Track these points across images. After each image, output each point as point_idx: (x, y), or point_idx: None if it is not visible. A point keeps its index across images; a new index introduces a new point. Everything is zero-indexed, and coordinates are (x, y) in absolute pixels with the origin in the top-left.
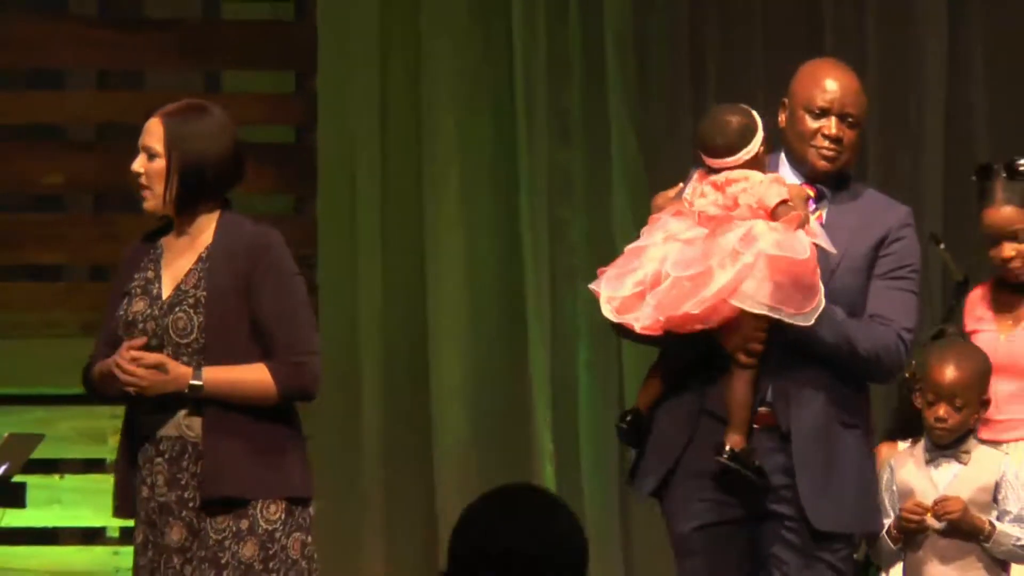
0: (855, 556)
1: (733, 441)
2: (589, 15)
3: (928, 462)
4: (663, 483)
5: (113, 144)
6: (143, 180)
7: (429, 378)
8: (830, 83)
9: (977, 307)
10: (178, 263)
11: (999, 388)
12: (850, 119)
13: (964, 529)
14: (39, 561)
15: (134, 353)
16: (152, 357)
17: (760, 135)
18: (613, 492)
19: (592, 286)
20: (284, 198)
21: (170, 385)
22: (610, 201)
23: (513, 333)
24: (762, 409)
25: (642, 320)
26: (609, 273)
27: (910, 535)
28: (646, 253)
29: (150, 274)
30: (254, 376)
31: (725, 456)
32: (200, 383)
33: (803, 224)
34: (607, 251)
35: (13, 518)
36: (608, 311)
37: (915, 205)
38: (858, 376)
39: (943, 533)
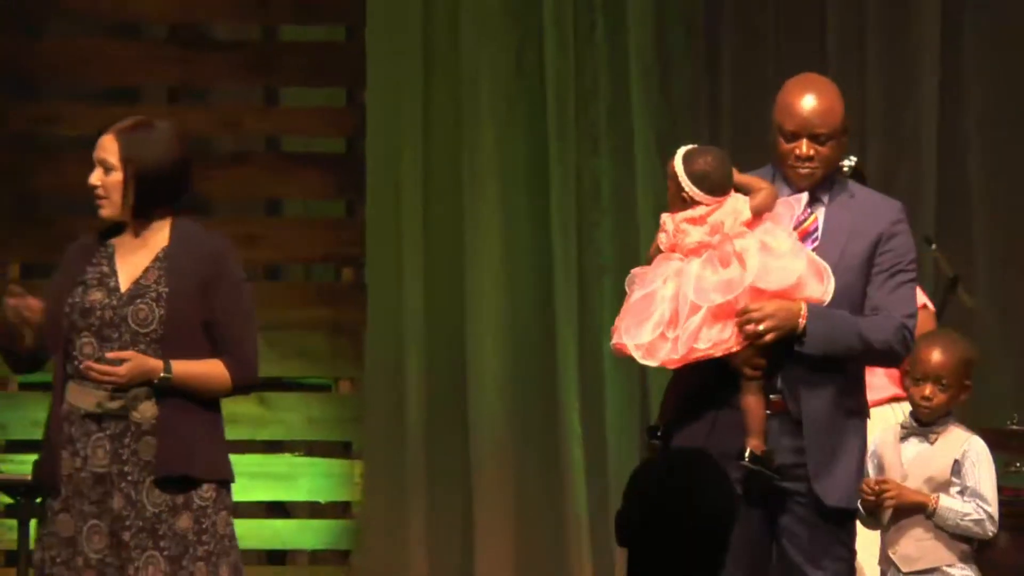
0: None
1: (753, 445)
2: (615, 37)
3: (901, 439)
4: None
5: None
6: (100, 191)
7: (467, 367)
8: (798, 107)
9: None
10: (133, 261)
11: None
12: (820, 137)
13: (907, 507)
14: None
15: (109, 356)
16: (120, 353)
17: None
18: None
19: (614, 342)
20: (336, 203)
21: (145, 376)
22: (634, 205)
23: (545, 327)
24: (773, 397)
25: (680, 351)
26: (625, 324)
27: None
28: (655, 298)
29: (105, 269)
30: (214, 371)
31: (747, 459)
32: (170, 375)
33: (774, 195)
34: (631, 250)
35: None
36: (639, 357)
37: (910, 208)
38: (871, 365)
39: (897, 510)
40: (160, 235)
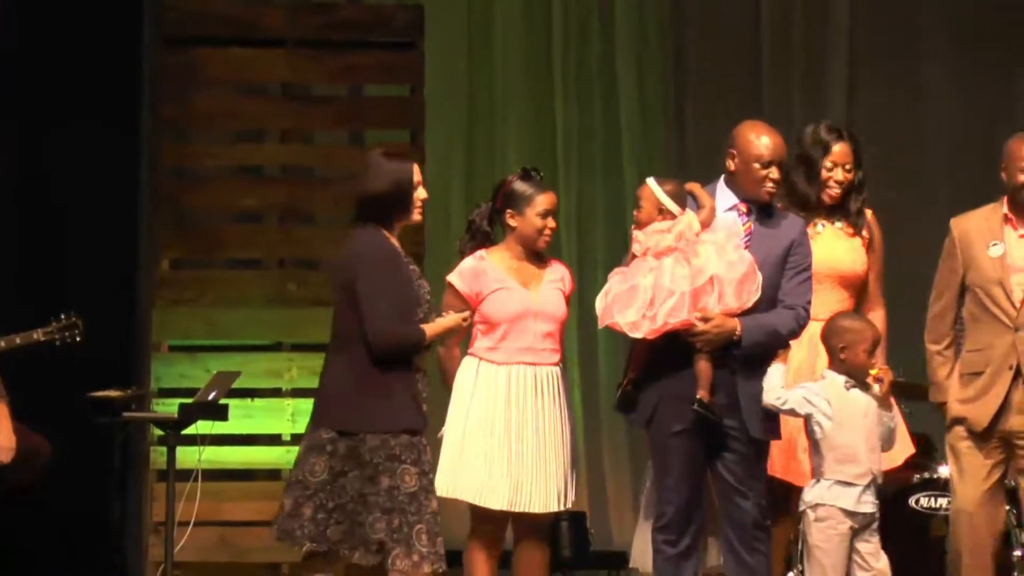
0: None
1: (702, 395)
2: (608, 94)
3: (848, 388)
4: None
5: (294, 180)
6: (425, 199)
7: None
8: (773, 142)
9: (499, 270)
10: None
11: (539, 327)
12: (783, 165)
13: (886, 396)
14: (237, 456)
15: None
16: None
17: None
18: (623, 428)
19: (609, 322)
20: None
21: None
22: (621, 216)
23: None
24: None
25: (656, 325)
26: (616, 308)
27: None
28: (638, 289)
29: (415, 267)
30: None
31: (696, 405)
32: None
33: (714, 211)
34: (618, 249)
35: (219, 427)
36: (628, 331)
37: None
38: (784, 345)
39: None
40: None
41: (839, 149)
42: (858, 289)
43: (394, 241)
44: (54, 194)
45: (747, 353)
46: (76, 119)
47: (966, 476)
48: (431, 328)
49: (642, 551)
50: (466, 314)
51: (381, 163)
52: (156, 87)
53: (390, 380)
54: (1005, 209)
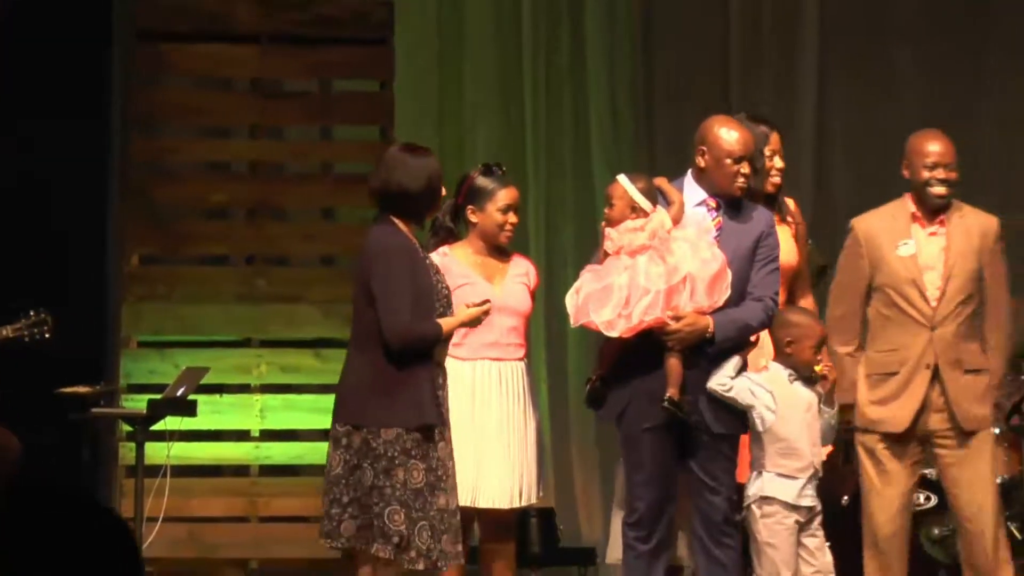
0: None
1: (672, 393)
2: (577, 96)
3: (792, 381)
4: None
5: (261, 176)
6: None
7: None
8: (739, 137)
9: (463, 265)
10: None
11: (503, 322)
12: (752, 160)
13: (829, 393)
14: (206, 452)
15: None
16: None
17: None
18: (591, 424)
19: (584, 321)
20: (374, 211)
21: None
22: (589, 215)
23: None
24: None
25: (632, 323)
26: (592, 307)
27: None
28: (613, 287)
29: (431, 261)
30: None
31: (666, 403)
32: None
33: (683, 206)
34: (587, 248)
35: (188, 423)
36: (603, 329)
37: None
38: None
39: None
40: None
41: (774, 137)
42: (789, 280)
43: (410, 235)
44: (22, 188)
45: (720, 349)
46: (45, 112)
47: (890, 479)
48: (448, 323)
49: (617, 542)
50: (487, 307)
51: (407, 160)
52: (127, 81)
53: (407, 375)
54: (912, 207)
